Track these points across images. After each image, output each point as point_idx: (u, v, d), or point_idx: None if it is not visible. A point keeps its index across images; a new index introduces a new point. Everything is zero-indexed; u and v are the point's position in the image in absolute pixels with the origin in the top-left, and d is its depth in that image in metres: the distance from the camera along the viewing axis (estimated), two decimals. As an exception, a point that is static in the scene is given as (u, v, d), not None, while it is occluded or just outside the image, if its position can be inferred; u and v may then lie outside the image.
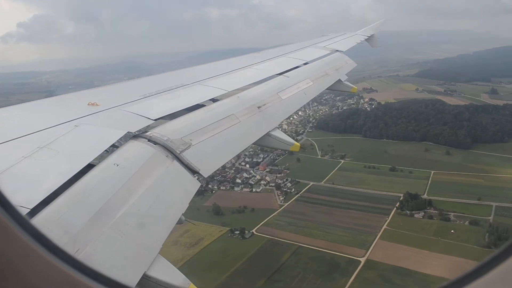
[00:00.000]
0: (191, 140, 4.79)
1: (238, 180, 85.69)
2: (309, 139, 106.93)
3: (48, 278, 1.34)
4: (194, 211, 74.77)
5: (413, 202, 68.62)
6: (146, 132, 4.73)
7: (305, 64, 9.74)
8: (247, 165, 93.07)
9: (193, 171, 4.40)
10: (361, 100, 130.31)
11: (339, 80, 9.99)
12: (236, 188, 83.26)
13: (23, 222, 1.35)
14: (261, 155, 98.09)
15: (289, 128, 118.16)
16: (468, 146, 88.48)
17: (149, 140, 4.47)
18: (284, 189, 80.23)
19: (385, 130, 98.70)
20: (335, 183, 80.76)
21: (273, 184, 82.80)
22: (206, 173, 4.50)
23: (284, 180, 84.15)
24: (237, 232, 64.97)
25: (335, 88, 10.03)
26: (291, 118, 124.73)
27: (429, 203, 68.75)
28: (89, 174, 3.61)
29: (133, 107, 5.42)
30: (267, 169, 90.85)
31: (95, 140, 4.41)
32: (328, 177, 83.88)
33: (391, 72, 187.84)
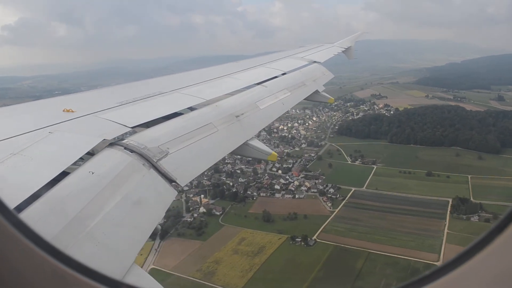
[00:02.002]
0: (168, 148, 4.72)
1: (277, 186, 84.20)
2: (333, 144, 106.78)
3: (39, 270, 1.37)
4: (241, 219, 73.00)
5: (465, 206, 69.50)
6: (123, 139, 4.64)
7: (283, 74, 9.84)
8: (279, 171, 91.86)
9: (170, 180, 4.32)
10: (375, 106, 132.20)
11: (317, 91, 10.11)
12: (277, 195, 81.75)
13: (14, 220, 1.37)
14: (290, 161, 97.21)
15: (309, 134, 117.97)
16: (497, 151, 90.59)
17: (125, 148, 4.37)
18: (328, 195, 79.46)
19: (413, 136, 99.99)
20: (378, 188, 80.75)
21: (315, 190, 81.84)
22: (183, 182, 4.41)
23: (324, 186, 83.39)
24: (299, 239, 63.55)
25: (313, 99, 10.15)
26: (307, 124, 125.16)
27: (480, 206, 69.75)
28: (64, 182, 3.51)
29: (110, 114, 5.33)
30: (301, 175, 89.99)
31: (70, 147, 4.34)
32: (367, 182, 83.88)
33: (385, 79, 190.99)
